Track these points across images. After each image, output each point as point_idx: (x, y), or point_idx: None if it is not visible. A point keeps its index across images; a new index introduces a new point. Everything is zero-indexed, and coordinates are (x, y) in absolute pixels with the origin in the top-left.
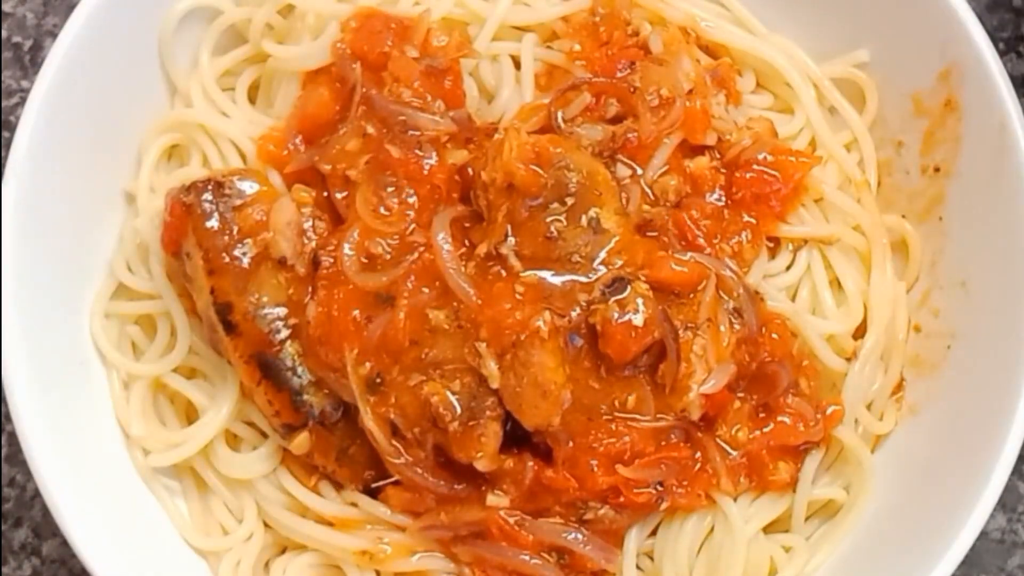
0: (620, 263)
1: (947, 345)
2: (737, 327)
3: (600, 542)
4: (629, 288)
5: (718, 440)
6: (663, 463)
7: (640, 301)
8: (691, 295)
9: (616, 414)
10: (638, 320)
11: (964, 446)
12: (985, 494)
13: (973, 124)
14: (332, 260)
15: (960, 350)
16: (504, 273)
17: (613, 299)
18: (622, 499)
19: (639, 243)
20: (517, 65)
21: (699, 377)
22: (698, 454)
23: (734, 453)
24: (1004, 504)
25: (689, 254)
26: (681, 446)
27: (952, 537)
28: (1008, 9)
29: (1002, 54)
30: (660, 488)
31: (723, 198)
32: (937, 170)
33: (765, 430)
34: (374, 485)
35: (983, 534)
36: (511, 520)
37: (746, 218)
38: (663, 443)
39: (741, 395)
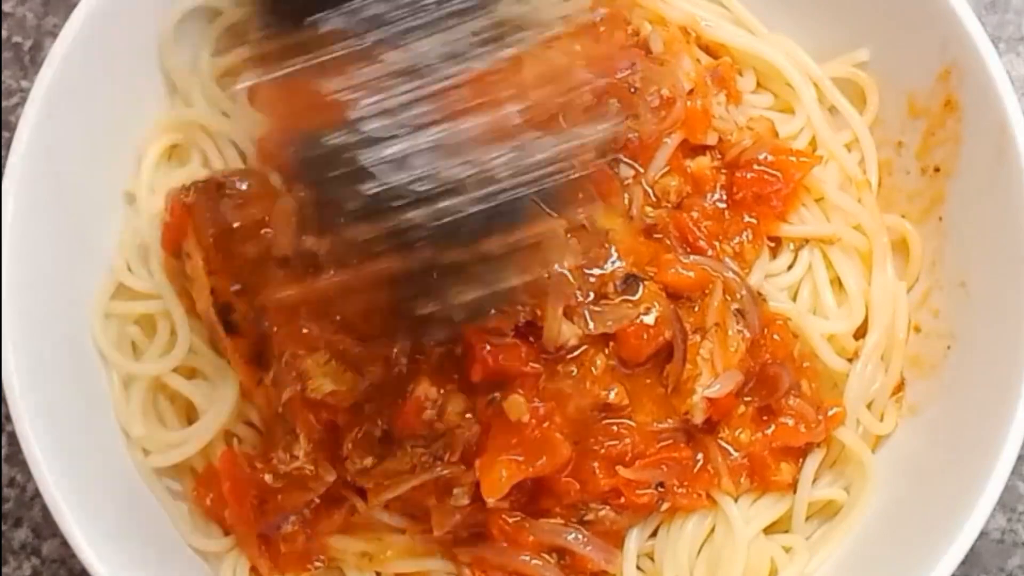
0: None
1: (947, 345)
2: (747, 334)
3: (601, 543)
4: (641, 287)
5: (720, 441)
6: (664, 464)
7: (653, 301)
8: (697, 298)
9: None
10: (649, 319)
11: (964, 446)
12: (985, 494)
13: (973, 124)
14: None
15: (960, 350)
16: None
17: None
18: (623, 500)
19: (644, 246)
20: None
21: (704, 381)
22: (699, 455)
23: (736, 454)
24: (1004, 504)
25: (692, 257)
26: (682, 447)
27: (952, 537)
28: (1008, 9)
29: (1002, 54)
30: (661, 489)
31: (724, 198)
32: (937, 170)
33: (767, 432)
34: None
35: (983, 534)
36: (511, 521)
37: (747, 218)
38: (664, 444)
39: (746, 399)
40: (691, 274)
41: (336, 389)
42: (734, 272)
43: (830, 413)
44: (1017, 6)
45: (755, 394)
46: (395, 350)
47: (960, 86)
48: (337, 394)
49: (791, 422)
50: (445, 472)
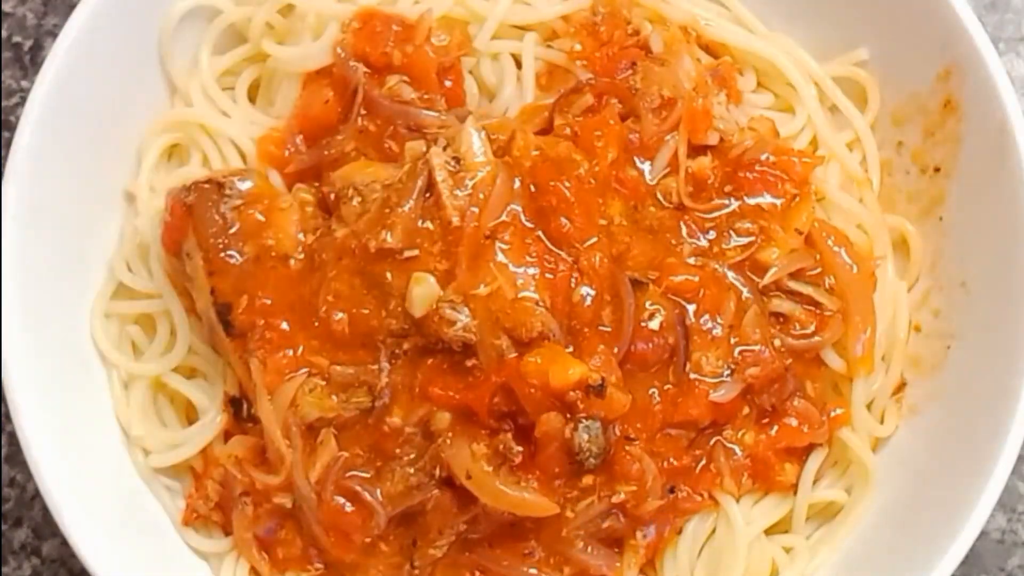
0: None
1: (947, 345)
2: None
3: (603, 548)
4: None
5: (724, 442)
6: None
7: (657, 306)
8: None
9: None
10: (655, 325)
11: (964, 446)
12: (985, 494)
13: (973, 124)
14: None
15: (960, 350)
16: None
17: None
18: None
19: (648, 247)
20: (518, 64)
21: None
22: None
23: (739, 453)
24: (1004, 504)
25: (693, 258)
26: (684, 453)
27: (952, 537)
28: (1008, 9)
29: (1002, 54)
30: (671, 494)
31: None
32: (937, 170)
33: (771, 433)
34: None
35: (983, 534)
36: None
37: (749, 224)
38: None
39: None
40: (695, 278)
41: (323, 416)
42: (737, 276)
43: (832, 414)
44: (1017, 6)
45: (760, 396)
46: (381, 382)
47: (960, 86)
48: (324, 420)
49: (795, 423)
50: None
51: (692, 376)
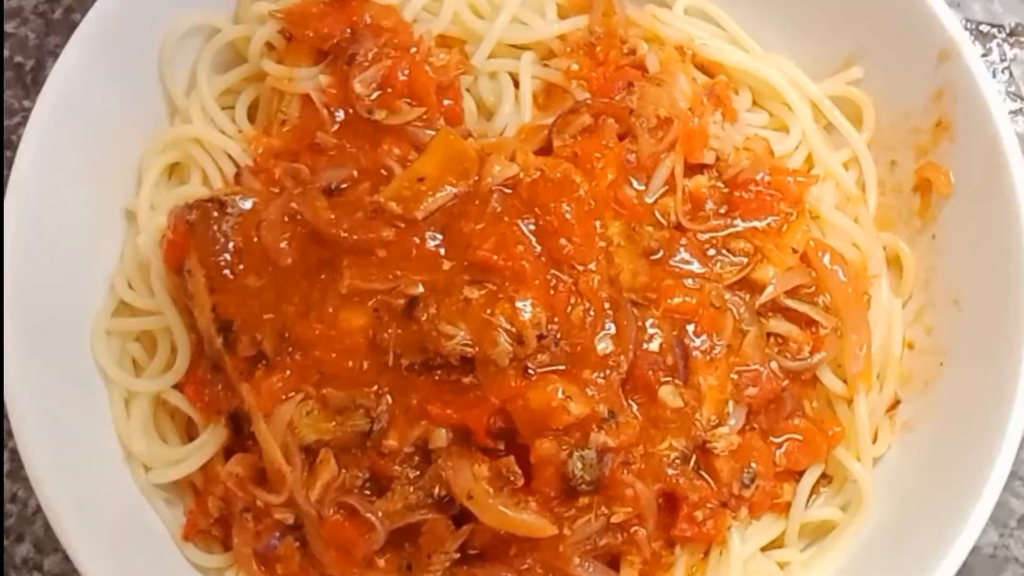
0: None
1: (940, 362)
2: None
3: (600, 565)
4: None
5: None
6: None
7: (656, 328)
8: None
9: None
10: (654, 346)
11: (956, 462)
12: (977, 509)
13: (965, 145)
14: None
15: (952, 367)
16: None
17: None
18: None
19: (646, 268)
20: (515, 83)
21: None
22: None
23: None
24: (996, 519)
25: (690, 280)
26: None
27: (945, 552)
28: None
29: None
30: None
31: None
32: (930, 189)
33: (775, 457)
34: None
35: (975, 549)
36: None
37: (744, 244)
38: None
39: (752, 427)
40: (692, 300)
41: (320, 439)
42: (734, 296)
43: (829, 433)
44: None
45: (757, 416)
46: (380, 407)
47: (953, 107)
48: (321, 442)
49: (795, 444)
50: (430, 515)
51: None
